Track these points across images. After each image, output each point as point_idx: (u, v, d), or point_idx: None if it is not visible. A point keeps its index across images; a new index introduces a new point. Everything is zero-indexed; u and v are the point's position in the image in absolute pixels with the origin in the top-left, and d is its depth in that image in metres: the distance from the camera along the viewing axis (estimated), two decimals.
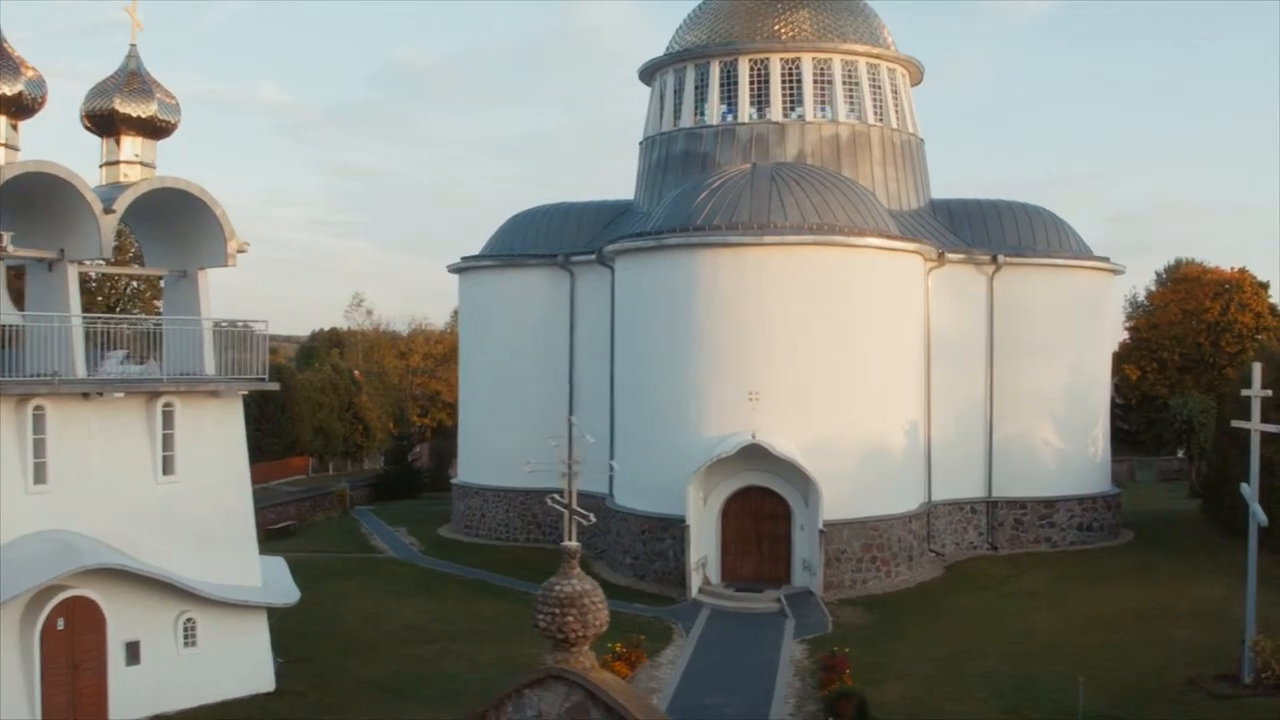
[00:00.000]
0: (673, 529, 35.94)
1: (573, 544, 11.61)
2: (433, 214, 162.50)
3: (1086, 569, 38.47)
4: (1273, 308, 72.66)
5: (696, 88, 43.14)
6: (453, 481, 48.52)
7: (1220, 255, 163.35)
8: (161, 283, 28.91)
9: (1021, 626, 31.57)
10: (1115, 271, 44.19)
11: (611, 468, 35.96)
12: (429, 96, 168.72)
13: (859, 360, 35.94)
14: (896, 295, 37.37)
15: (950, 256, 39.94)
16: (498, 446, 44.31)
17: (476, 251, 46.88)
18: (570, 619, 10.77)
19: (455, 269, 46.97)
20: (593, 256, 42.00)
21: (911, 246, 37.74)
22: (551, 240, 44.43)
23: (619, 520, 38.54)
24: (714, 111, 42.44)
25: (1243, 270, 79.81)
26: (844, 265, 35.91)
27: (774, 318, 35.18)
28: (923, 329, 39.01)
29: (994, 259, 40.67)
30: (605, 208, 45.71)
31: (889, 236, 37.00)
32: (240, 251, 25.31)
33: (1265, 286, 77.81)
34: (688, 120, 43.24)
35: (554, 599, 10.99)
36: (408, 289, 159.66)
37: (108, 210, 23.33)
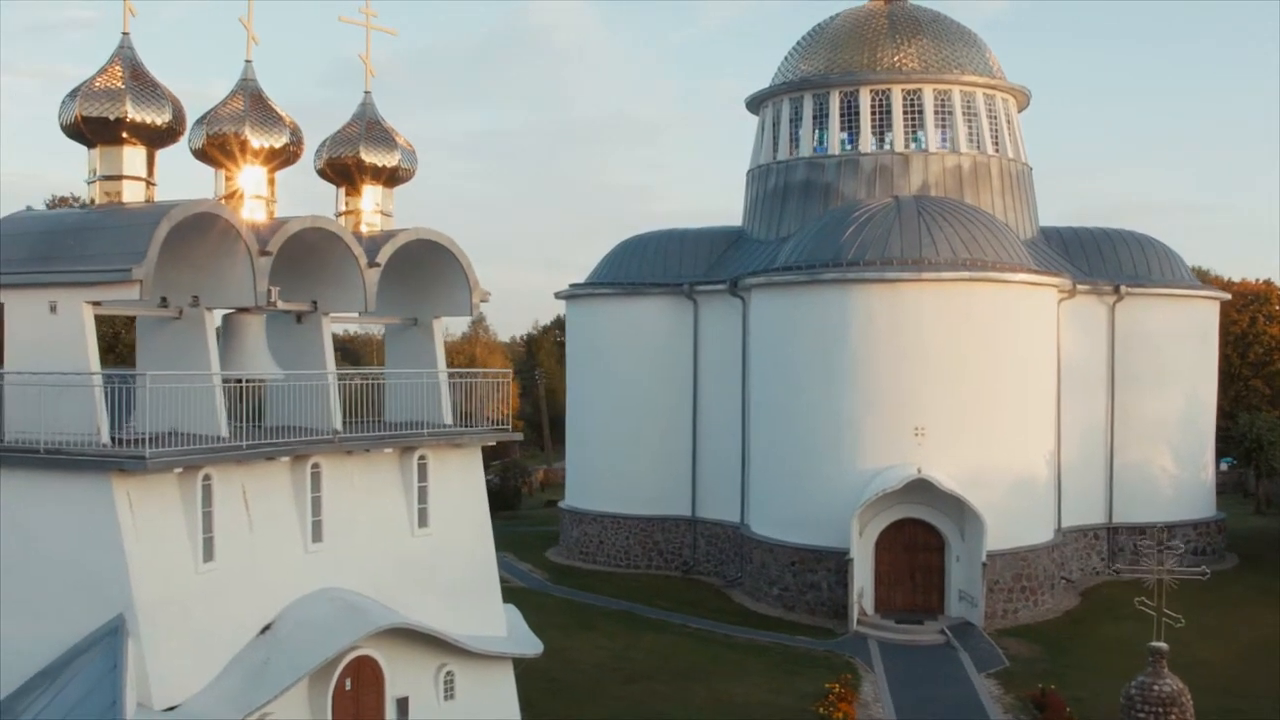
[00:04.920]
0: (826, 561, 36.28)
1: (1161, 644, 11.90)
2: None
3: (1215, 595, 39.04)
4: None
5: (815, 117, 43.43)
6: (560, 506, 48.40)
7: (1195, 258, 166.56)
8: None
9: (1193, 657, 32.04)
10: (1221, 299, 45.30)
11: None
12: (383, 95, 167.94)
13: (1006, 392, 36.56)
14: (1036, 327, 38.04)
15: (1079, 287, 40.64)
16: (617, 473, 44.41)
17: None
18: (1173, 717, 11.14)
19: (564, 295, 46.90)
20: (719, 285, 42.16)
21: (1053, 280, 38.43)
22: (669, 268, 44.49)
23: (763, 551, 38.76)
24: (834, 141, 42.79)
25: (1269, 282, 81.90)
26: (993, 299, 36.50)
27: (933, 352, 35.65)
28: (1054, 359, 39.68)
29: (1117, 289, 41.46)
30: (717, 235, 45.88)
31: (1034, 271, 37.67)
32: (483, 301, 25.23)
33: None
34: (806, 150, 43.51)
35: (1154, 698, 11.39)
36: None
37: (372, 264, 23.15)
